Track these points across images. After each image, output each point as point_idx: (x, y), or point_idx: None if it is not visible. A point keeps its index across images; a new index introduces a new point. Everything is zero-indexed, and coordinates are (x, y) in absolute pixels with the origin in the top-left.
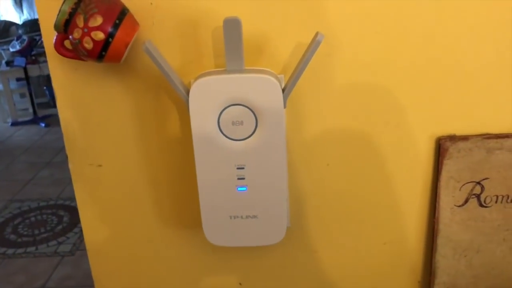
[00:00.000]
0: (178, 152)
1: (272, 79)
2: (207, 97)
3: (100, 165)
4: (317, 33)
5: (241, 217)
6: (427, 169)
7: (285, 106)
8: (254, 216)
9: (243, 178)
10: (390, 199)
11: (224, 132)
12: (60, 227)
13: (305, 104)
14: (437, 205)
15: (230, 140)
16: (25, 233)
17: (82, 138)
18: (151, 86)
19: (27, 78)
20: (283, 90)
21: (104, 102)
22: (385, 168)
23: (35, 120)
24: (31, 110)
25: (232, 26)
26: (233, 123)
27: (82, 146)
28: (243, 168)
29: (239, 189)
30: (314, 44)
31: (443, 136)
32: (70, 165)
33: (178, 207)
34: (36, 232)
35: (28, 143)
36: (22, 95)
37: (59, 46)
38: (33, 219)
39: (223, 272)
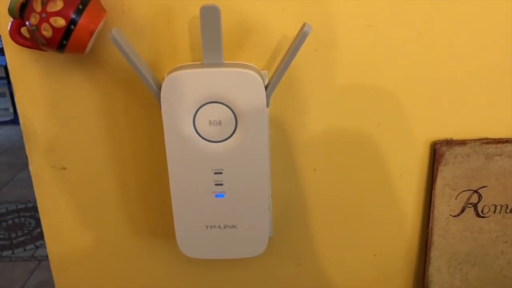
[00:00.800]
0: (150, 155)
1: (254, 74)
2: (181, 94)
3: (64, 168)
4: (304, 24)
5: (219, 226)
6: (421, 176)
7: (268, 105)
8: (233, 226)
9: (221, 184)
10: (381, 207)
11: (200, 133)
12: (38, 230)
13: (289, 103)
14: (431, 214)
15: (207, 142)
16: (2, 236)
17: (44, 138)
18: (121, 81)
19: (7, 77)
20: (266, 87)
21: (69, 98)
22: (376, 174)
23: (15, 120)
24: (11, 110)
25: (210, 15)
26: (210, 123)
27: (44, 146)
28: (221, 173)
29: (216, 196)
30: (301, 35)
31: (438, 140)
32: (31, 167)
33: (150, 215)
34: (13, 235)
35: (7, 143)
36: (2, 95)
37: (14, 33)
38: (10, 222)
39: (199, 286)
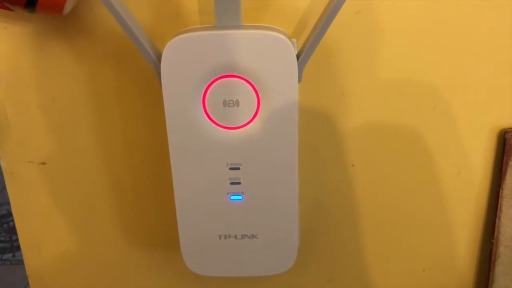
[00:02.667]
0: (149, 146)
1: (283, 37)
2: (187, 65)
3: (43, 163)
4: None
5: (235, 236)
6: (485, 173)
7: (300, 80)
8: (253, 236)
9: (239, 183)
10: (434, 212)
11: (212, 117)
12: None
13: (322, 81)
14: (497, 220)
15: (220, 128)
16: (2, 238)
17: (18, 126)
18: (112, 52)
19: None
20: (297, 58)
21: (47, 75)
22: (428, 170)
23: None
24: None
25: None
26: (225, 104)
27: (18, 137)
28: (238, 169)
29: (232, 197)
30: None
31: (509, 128)
32: (2, 163)
33: (149, 220)
34: (14, 237)
35: None
36: None
37: None
38: (11, 223)
39: None
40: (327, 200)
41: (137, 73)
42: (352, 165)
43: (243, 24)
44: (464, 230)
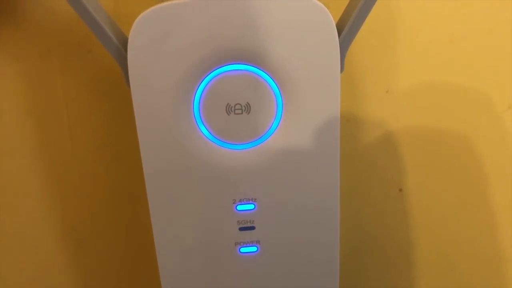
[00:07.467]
0: (116, 178)
1: (317, 3)
2: (168, 50)
3: None
4: None
5: None
6: None
7: (342, 69)
8: None
9: (252, 227)
10: (509, 250)
11: (210, 130)
12: None
13: (361, 74)
14: None
15: (223, 148)
16: None
17: None
18: (59, 44)
19: None
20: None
21: None
22: (504, 195)
23: None
24: None
25: None
26: (229, 110)
27: None
28: (251, 208)
29: (242, 250)
30: None
31: None
32: None
33: (122, 282)
34: None
35: None
36: None
37: None
38: None
39: None
40: (371, 233)
41: (96, 74)
42: (400, 190)
43: None
44: None
